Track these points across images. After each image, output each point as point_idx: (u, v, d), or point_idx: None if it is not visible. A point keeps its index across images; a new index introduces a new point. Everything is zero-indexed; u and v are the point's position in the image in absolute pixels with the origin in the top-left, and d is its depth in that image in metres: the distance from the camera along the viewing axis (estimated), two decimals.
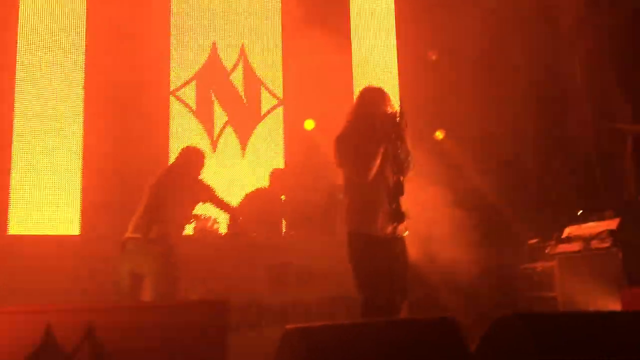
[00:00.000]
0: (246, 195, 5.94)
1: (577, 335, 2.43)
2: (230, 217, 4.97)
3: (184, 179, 4.64)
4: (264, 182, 6.69)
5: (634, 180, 5.74)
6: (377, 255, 3.39)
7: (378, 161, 3.43)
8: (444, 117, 7.20)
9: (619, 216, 5.27)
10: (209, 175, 6.45)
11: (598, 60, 6.43)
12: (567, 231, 5.71)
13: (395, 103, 3.61)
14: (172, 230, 4.48)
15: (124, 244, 4.37)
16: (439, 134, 7.32)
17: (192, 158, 4.85)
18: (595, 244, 5.28)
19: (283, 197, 6.05)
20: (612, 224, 5.27)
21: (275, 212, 5.92)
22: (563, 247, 5.66)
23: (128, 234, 4.40)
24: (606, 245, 5.17)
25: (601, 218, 5.47)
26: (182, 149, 5.00)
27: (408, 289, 3.50)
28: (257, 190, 6.05)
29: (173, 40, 6.75)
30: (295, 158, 6.86)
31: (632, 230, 5.20)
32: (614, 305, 4.74)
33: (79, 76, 6.27)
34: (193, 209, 4.83)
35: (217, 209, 4.95)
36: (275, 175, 6.15)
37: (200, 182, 4.83)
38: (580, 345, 2.36)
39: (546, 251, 5.93)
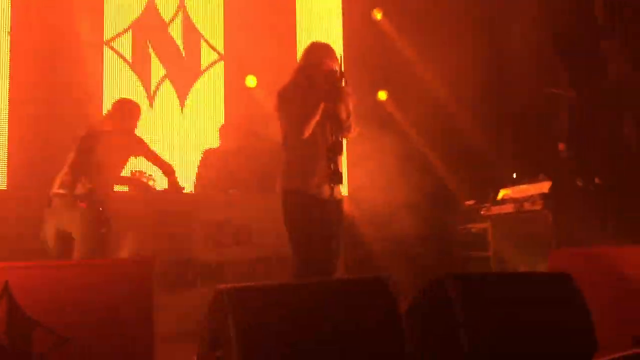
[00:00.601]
0: (204, 155, 5.78)
1: (501, 296, 2.49)
2: (165, 173, 4.82)
3: (117, 133, 4.46)
4: (204, 138, 6.57)
5: (566, 145, 5.91)
6: (312, 216, 3.36)
7: (316, 118, 3.37)
8: (388, 78, 7.19)
9: (551, 179, 5.43)
10: (146, 130, 6.27)
11: (538, 27, 6.51)
12: (502, 193, 5.87)
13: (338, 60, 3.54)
14: (101, 185, 4.31)
15: (50, 201, 4.19)
16: (382, 95, 7.31)
17: (127, 110, 4.65)
18: (527, 206, 5.45)
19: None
20: (544, 187, 5.43)
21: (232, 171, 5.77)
22: (497, 209, 5.82)
23: (54, 190, 4.22)
24: (538, 207, 5.34)
25: (534, 181, 5.63)
26: (116, 101, 4.80)
27: (343, 250, 3.50)
28: (211, 150, 5.88)
29: None
30: (236, 114, 6.72)
31: (562, 193, 5.39)
32: (543, 265, 4.92)
33: (4, 21, 5.88)
34: (125, 164, 4.66)
35: (151, 164, 4.80)
36: (224, 130, 5.99)
37: (134, 136, 4.65)
38: (504, 306, 2.43)
39: (481, 212, 6.09)
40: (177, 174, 4.89)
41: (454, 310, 2.35)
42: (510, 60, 6.86)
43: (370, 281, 2.50)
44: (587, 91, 5.95)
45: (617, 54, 6.04)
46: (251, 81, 6.75)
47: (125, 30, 6.49)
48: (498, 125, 6.99)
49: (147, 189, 5.07)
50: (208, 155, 5.81)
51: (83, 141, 4.37)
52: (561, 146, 5.86)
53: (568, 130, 6.01)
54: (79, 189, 4.13)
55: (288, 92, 3.48)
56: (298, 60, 3.72)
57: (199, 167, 5.76)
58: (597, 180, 5.40)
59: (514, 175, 6.18)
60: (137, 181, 4.88)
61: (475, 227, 6.28)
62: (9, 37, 5.84)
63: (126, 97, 5.05)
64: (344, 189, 3.57)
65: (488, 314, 2.41)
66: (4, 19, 5.87)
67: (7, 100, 5.78)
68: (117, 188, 4.97)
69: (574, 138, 5.93)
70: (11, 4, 5.89)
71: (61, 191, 4.19)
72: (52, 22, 5.77)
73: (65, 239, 4.11)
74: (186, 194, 5.14)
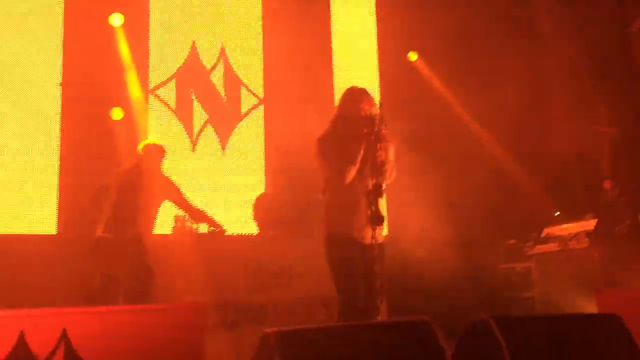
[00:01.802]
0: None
1: (549, 338, 2.46)
2: (197, 218, 4.94)
3: (146, 175, 4.58)
4: (245, 180, 6.69)
5: (610, 182, 5.81)
6: (354, 258, 3.39)
7: (358, 163, 3.42)
8: (424, 118, 7.23)
9: (597, 218, 5.33)
10: (189, 173, 6.44)
11: (576, 66, 6.51)
12: (545, 232, 5.77)
13: (376, 105, 3.61)
14: (144, 229, 4.43)
15: (96, 245, 4.30)
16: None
17: (149, 152, 4.80)
18: (572, 244, 5.34)
19: None
20: (589, 225, 5.33)
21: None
22: (541, 248, 5.72)
23: (99, 233, 4.33)
24: (583, 246, 5.23)
25: (579, 219, 5.53)
26: (140, 146, 4.93)
27: (386, 291, 3.50)
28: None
29: (152, 38, 6.69)
30: (276, 158, 6.84)
31: (609, 231, 5.27)
32: (590, 306, 4.80)
33: (56, 74, 6.19)
34: (159, 207, 4.77)
35: (180, 210, 4.91)
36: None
37: (165, 179, 4.78)
38: (551, 349, 2.39)
39: (524, 252, 5.98)
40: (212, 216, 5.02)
41: (501, 353, 2.33)
42: (550, 99, 6.85)
43: (415, 324, 2.50)
44: (629, 128, 5.88)
45: None
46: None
47: (170, 79, 6.74)
48: (539, 163, 6.93)
49: (191, 232, 5.19)
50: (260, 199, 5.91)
51: (117, 185, 4.48)
52: (606, 184, 5.76)
53: (612, 168, 5.93)
54: (126, 234, 4.24)
55: (328, 138, 3.55)
56: (336, 105, 3.79)
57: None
58: None
59: (557, 214, 6.08)
60: (182, 225, 5.00)
61: (518, 266, 6.17)
62: (60, 88, 6.14)
63: (151, 141, 5.15)
64: (384, 230, 3.59)
65: (536, 357, 2.38)
66: (55, 71, 6.18)
67: (59, 149, 6.04)
68: (159, 232, 5.09)
69: (619, 175, 5.84)
70: (63, 57, 6.20)
71: (107, 235, 4.30)
72: (101, 75, 6.04)
73: (112, 283, 4.21)
74: (227, 236, 5.22)
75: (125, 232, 4.32)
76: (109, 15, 6.15)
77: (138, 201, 4.44)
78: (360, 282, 3.37)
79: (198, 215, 4.96)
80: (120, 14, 6.21)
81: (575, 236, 5.36)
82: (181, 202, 4.85)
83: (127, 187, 4.48)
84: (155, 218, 4.78)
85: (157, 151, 4.87)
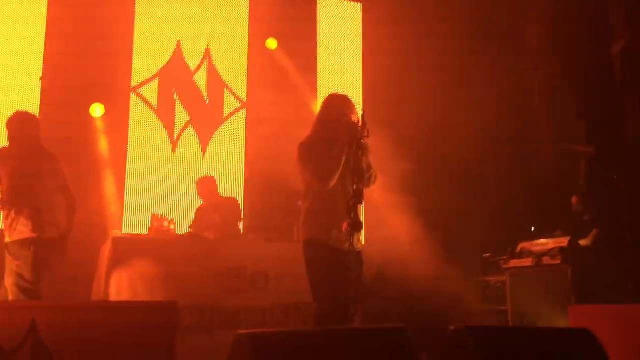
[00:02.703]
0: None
1: (522, 350, 2.48)
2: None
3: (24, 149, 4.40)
4: (224, 183, 6.66)
5: (576, 198, 5.91)
6: (332, 265, 3.39)
7: (339, 169, 3.43)
8: (406, 129, 7.26)
9: (570, 234, 5.41)
10: (168, 174, 6.40)
11: (557, 83, 6.61)
12: (520, 246, 5.83)
13: (359, 106, 3.63)
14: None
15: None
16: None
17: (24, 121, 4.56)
18: (546, 260, 5.40)
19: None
20: (563, 241, 5.40)
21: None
22: (515, 262, 5.76)
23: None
24: (556, 262, 5.29)
25: (553, 235, 5.60)
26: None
27: (362, 299, 3.50)
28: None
29: (136, 36, 6.65)
30: (257, 161, 6.82)
31: (582, 248, 5.35)
32: (562, 321, 4.85)
33: (37, 68, 6.12)
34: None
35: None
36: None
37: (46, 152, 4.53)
38: (526, 359, 2.41)
39: (499, 265, 6.04)
40: None
41: None
42: (529, 116, 6.93)
43: (390, 331, 2.50)
44: (605, 147, 5.98)
45: (635, 110, 6.10)
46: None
47: (152, 78, 6.69)
48: (516, 179, 7.01)
49: (168, 232, 5.14)
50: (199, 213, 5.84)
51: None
52: (574, 199, 5.86)
53: (587, 186, 6.01)
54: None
55: (310, 144, 3.56)
56: (318, 112, 3.79)
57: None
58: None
59: (532, 229, 6.15)
60: (159, 225, 4.94)
61: (493, 279, 6.22)
62: (40, 82, 6.06)
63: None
64: (362, 238, 3.59)
65: None
66: (36, 64, 6.11)
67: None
68: (138, 231, 5.05)
69: (593, 193, 5.92)
70: (44, 51, 6.13)
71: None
72: (82, 70, 5.98)
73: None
74: (203, 239, 5.18)
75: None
76: (91, 11, 6.09)
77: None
78: (336, 290, 3.37)
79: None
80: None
81: (549, 252, 5.43)
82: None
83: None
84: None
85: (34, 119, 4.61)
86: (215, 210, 5.51)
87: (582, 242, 5.40)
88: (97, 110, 6.14)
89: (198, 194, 5.80)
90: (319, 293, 3.41)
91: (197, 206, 5.86)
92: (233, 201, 5.81)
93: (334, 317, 3.29)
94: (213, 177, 5.93)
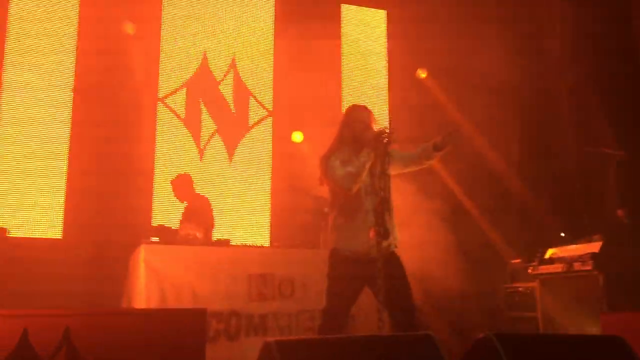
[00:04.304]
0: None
1: (552, 357, 2.44)
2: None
3: None
4: (250, 191, 6.71)
5: (616, 205, 5.79)
6: (349, 274, 3.44)
7: (362, 175, 3.44)
8: (432, 135, 7.23)
9: (602, 240, 5.31)
10: (196, 182, 6.48)
11: (584, 86, 6.52)
12: (550, 252, 5.74)
13: (384, 120, 3.64)
14: None
15: None
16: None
17: None
18: (577, 266, 5.31)
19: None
20: (594, 247, 5.30)
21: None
22: (545, 268, 5.68)
23: None
24: (588, 268, 5.20)
25: (584, 241, 5.51)
26: None
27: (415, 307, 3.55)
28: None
29: (163, 46, 6.76)
30: (283, 169, 6.86)
31: (614, 254, 5.25)
32: (594, 328, 4.76)
33: (67, 79, 6.25)
34: None
35: None
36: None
37: None
38: None
39: (529, 271, 5.96)
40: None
41: None
42: (557, 120, 6.85)
43: (419, 338, 2.49)
44: (635, 150, 5.87)
45: None
46: (297, 137, 6.90)
47: (179, 88, 6.79)
48: (545, 183, 6.92)
49: (195, 240, 5.19)
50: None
51: None
52: (620, 212, 5.73)
53: (617, 190, 5.91)
54: None
55: (332, 155, 3.59)
56: (341, 121, 3.80)
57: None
58: None
59: (562, 235, 6.06)
60: (186, 234, 5.00)
61: (522, 286, 6.14)
62: (72, 94, 6.20)
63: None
64: (390, 245, 3.58)
65: None
66: (68, 77, 6.25)
67: (67, 153, 6.09)
68: (166, 239, 5.10)
69: (626, 198, 5.81)
70: (75, 65, 6.27)
71: None
72: (111, 81, 6.11)
73: None
74: (231, 246, 5.23)
75: None
76: (122, 22, 6.22)
77: None
78: (345, 304, 3.47)
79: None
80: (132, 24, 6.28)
81: (580, 258, 5.34)
82: None
83: None
84: None
85: None
86: (197, 207, 5.58)
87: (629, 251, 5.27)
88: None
89: (175, 194, 5.80)
90: (326, 303, 3.50)
91: (223, 213, 5.92)
92: (205, 199, 5.81)
93: (333, 330, 3.36)
94: (188, 175, 5.94)
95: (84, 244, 5.49)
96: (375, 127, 3.56)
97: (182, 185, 5.79)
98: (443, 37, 6.92)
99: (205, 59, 6.94)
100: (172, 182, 5.86)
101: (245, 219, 6.70)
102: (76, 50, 6.29)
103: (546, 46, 7.13)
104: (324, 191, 3.77)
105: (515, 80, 6.89)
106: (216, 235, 5.70)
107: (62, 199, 5.99)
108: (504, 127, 6.45)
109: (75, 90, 6.18)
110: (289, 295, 5.00)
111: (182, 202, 5.79)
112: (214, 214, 5.74)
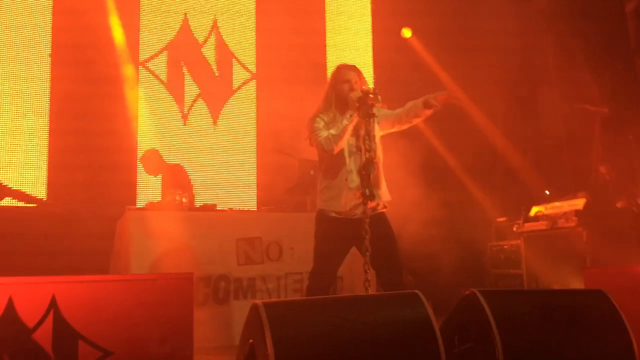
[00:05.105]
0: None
1: (536, 311, 2.49)
2: None
3: None
4: (235, 155, 6.68)
5: (600, 161, 5.85)
6: (334, 234, 3.46)
7: (344, 135, 3.43)
8: (417, 97, 7.19)
9: (586, 197, 5.37)
10: (179, 147, 6.44)
11: (568, 43, 6.49)
12: (535, 210, 5.81)
13: (369, 81, 3.60)
14: None
15: None
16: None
17: None
18: (561, 223, 5.38)
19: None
20: (578, 204, 5.37)
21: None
22: (530, 226, 5.76)
23: None
24: (572, 224, 5.27)
25: (568, 198, 5.57)
26: None
27: (403, 267, 3.58)
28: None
29: (143, 10, 6.60)
30: (267, 132, 6.81)
31: (598, 211, 5.31)
32: (577, 284, 4.85)
33: (46, 39, 6.13)
34: None
35: None
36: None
37: None
38: (539, 321, 2.42)
39: (514, 229, 6.03)
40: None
41: (488, 325, 2.35)
42: (542, 77, 6.84)
43: (406, 297, 2.51)
44: (619, 107, 5.89)
45: None
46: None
47: (160, 51, 6.67)
48: (529, 142, 6.95)
49: (181, 205, 5.17)
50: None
51: None
52: (602, 168, 5.78)
53: (601, 147, 5.95)
54: None
55: (317, 114, 3.56)
56: (328, 82, 3.76)
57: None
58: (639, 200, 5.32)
59: (547, 192, 6.12)
60: (172, 198, 4.98)
61: (507, 243, 6.22)
62: (49, 58, 6.07)
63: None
64: (378, 206, 3.58)
65: (523, 329, 2.41)
66: (45, 41, 6.11)
67: (48, 115, 6.01)
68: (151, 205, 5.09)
69: (609, 156, 5.86)
70: (52, 27, 6.12)
71: None
72: (90, 43, 5.99)
73: None
74: (218, 210, 5.22)
75: None
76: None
77: None
78: (332, 265, 3.50)
79: None
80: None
81: (564, 215, 5.41)
82: None
83: None
84: None
85: None
86: (175, 174, 5.57)
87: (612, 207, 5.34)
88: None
89: (145, 170, 5.79)
90: (315, 264, 3.52)
91: (209, 178, 5.89)
92: (179, 166, 5.81)
93: (321, 290, 3.41)
94: (155, 149, 5.90)
95: (69, 205, 5.49)
96: (363, 87, 3.51)
97: (152, 159, 5.74)
98: (425, 13, 6.83)
99: (186, 20, 6.80)
100: (141, 160, 5.83)
101: (232, 182, 6.67)
102: (52, 10, 6.15)
103: (530, 2, 7.05)
104: (312, 153, 3.75)
105: (500, 39, 6.84)
106: (203, 200, 5.68)
107: (45, 159, 5.95)
108: (489, 85, 6.41)
109: (52, 54, 6.06)
110: (277, 259, 5.02)
111: (157, 176, 5.73)
112: (198, 179, 5.72)
